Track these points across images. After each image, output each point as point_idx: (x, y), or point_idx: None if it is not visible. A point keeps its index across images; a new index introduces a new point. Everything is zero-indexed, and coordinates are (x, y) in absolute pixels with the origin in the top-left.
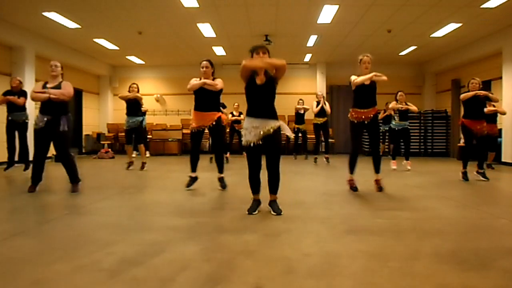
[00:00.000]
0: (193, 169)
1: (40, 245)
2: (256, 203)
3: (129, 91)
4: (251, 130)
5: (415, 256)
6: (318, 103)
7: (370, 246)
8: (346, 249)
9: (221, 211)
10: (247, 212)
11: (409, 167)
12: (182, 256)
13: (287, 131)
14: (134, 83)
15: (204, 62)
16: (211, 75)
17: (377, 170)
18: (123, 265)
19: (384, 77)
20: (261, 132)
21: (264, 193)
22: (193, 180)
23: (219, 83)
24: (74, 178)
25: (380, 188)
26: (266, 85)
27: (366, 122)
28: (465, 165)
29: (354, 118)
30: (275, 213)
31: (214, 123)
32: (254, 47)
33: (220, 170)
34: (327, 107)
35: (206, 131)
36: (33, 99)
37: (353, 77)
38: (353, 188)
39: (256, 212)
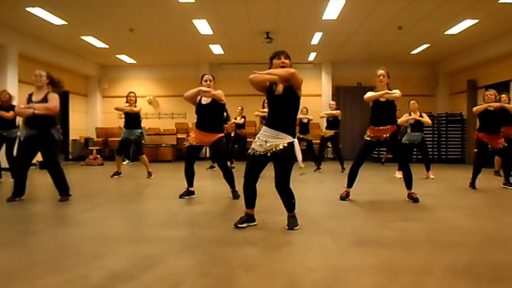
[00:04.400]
0: (190, 184)
1: (24, 258)
2: (247, 217)
3: (127, 101)
4: (260, 140)
5: (428, 270)
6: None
7: (379, 260)
8: (354, 262)
9: (219, 222)
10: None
11: (432, 176)
12: (177, 270)
13: (298, 155)
14: (131, 92)
15: (207, 76)
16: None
17: (408, 186)
18: (113, 280)
19: (396, 94)
20: (270, 145)
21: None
22: (189, 192)
23: (217, 92)
24: (63, 191)
25: (415, 199)
26: (284, 95)
27: (382, 140)
28: (474, 177)
29: (370, 137)
30: (287, 227)
31: (215, 143)
32: (276, 53)
33: (231, 186)
34: (334, 112)
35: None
36: (18, 114)
37: (368, 93)
38: (343, 197)
39: (244, 225)
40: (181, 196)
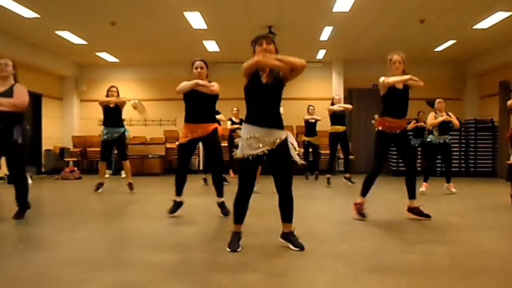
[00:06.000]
0: (178, 192)
1: None
2: (237, 237)
3: (107, 96)
4: (251, 142)
5: None
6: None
7: None
8: None
9: (215, 244)
10: (228, 249)
11: (454, 190)
12: None
13: (294, 144)
14: (113, 86)
15: (198, 62)
16: (205, 78)
17: (412, 195)
18: None
19: (421, 82)
20: (264, 145)
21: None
22: (177, 205)
23: (215, 85)
24: (23, 205)
25: (426, 215)
26: (273, 85)
27: (396, 136)
28: None
29: (385, 127)
30: (297, 248)
31: (208, 134)
32: (256, 38)
33: (220, 193)
34: (347, 106)
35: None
36: None
37: (382, 79)
38: (361, 214)
39: (240, 248)
40: (171, 212)
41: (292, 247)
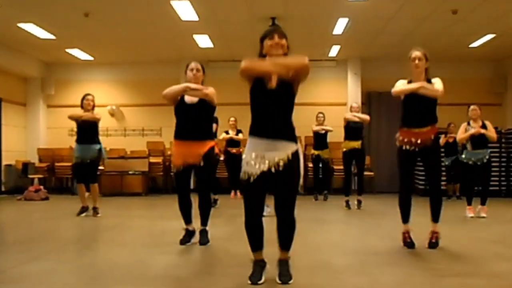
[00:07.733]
0: (187, 220)
1: None
2: (260, 266)
3: (82, 106)
4: (255, 158)
5: None
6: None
7: None
8: None
9: (208, 278)
10: (249, 282)
11: (484, 214)
12: None
13: (301, 168)
14: (89, 95)
15: (194, 64)
16: (201, 83)
17: (435, 218)
18: None
19: (437, 92)
20: (270, 161)
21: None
22: (190, 234)
23: (210, 92)
24: None
25: (434, 244)
26: (280, 90)
27: (419, 148)
28: None
29: (402, 142)
30: (280, 281)
31: (204, 160)
32: (267, 32)
33: (204, 222)
34: (363, 116)
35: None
36: None
37: (398, 83)
38: (407, 243)
39: (263, 280)
40: (182, 243)
41: (277, 280)
